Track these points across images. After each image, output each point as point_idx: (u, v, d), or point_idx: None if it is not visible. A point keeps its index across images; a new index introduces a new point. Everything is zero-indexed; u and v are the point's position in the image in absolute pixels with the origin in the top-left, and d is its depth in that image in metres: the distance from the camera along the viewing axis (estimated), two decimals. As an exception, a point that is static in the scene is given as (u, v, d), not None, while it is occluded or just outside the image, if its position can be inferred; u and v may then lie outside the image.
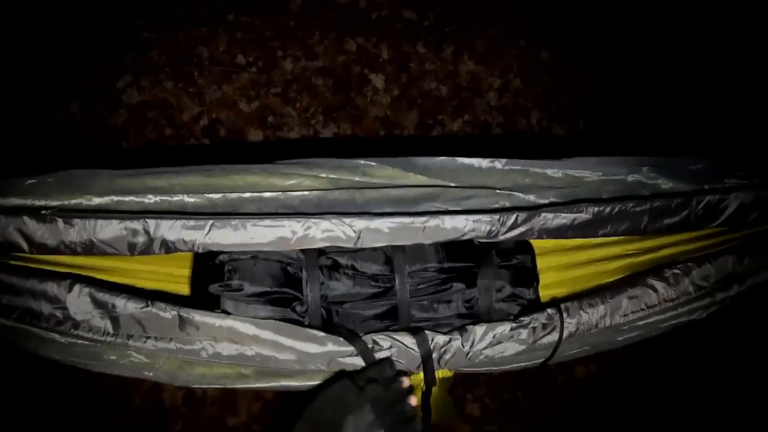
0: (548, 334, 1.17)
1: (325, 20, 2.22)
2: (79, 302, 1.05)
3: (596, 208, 1.20)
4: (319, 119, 2.07)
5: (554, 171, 1.25)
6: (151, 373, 1.15)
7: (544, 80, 2.27)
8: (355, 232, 1.09)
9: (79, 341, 1.09)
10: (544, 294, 1.30)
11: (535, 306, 1.23)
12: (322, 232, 1.09)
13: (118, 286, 1.18)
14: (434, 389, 1.20)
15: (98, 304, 1.06)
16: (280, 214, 1.11)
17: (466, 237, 1.12)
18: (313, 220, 1.09)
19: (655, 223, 1.31)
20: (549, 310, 1.18)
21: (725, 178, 1.39)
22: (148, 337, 1.10)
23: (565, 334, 1.19)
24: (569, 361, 1.37)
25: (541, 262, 1.30)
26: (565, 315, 1.18)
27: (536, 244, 1.30)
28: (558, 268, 1.32)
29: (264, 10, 2.20)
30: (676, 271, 1.32)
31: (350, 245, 1.10)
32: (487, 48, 2.27)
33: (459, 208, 1.14)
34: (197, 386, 1.19)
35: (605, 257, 1.34)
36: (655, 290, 1.28)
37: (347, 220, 1.08)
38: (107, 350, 1.11)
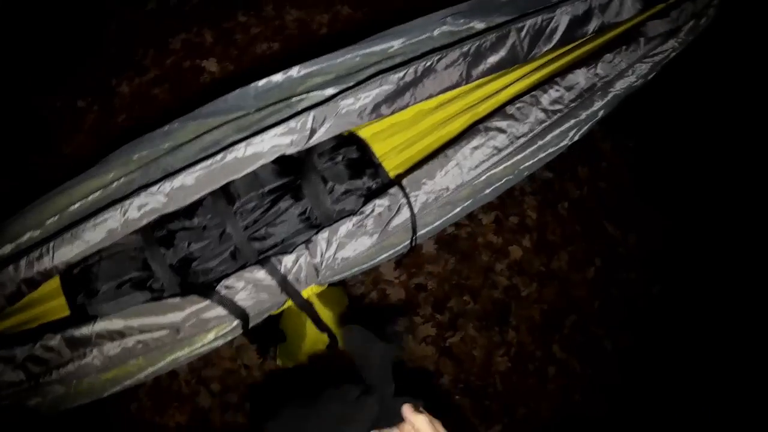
0: (397, 214, 1.16)
1: (143, 33, 2.21)
2: None
3: (396, 75, 1.15)
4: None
5: (352, 56, 1.20)
6: (72, 401, 1.20)
7: None
8: (165, 196, 1.08)
9: (6, 401, 1.13)
10: (397, 175, 1.26)
11: (383, 191, 1.19)
12: (138, 209, 1.09)
13: (14, 336, 1.19)
14: (319, 308, 1.21)
15: (4, 360, 1.11)
16: (98, 211, 1.11)
17: (271, 157, 1.09)
18: (126, 202, 1.09)
19: (478, 66, 1.26)
20: (390, 191, 1.16)
21: None
22: (52, 369, 1.14)
23: (417, 207, 1.17)
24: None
25: (382, 147, 1.27)
26: (408, 190, 1.17)
27: (371, 130, 1.26)
28: (401, 146, 1.28)
29: (84, 46, 2.17)
30: (521, 104, 1.28)
31: (169, 210, 1.10)
32: (305, -10, 2.22)
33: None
34: (112, 392, 1.22)
35: (448, 117, 1.30)
36: (502, 131, 1.25)
37: (154, 188, 1.08)
38: (31, 396, 1.16)
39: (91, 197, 1.15)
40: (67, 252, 1.12)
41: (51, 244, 1.11)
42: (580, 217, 2.14)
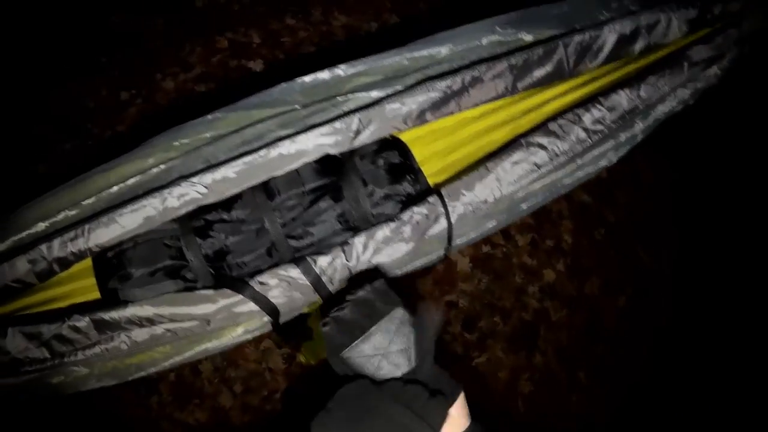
0: (435, 223, 1.15)
1: (191, 29, 2.21)
2: (15, 342, 1.11)
3: (444, 83, 1.15)
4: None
5: (399, 59, 1.20)
6: (95, 381, 1.21)
7: (420, 6, 2.22)
8: (206, 187, 1.09)
9: (29, 376, 1.15)
10: (436, 182, 1.26)
11: (421, 198, 1.19)
12: (178, 198, 1.10)
13: (42, 314, 1.21)
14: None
15: (30, 337, 1.11)
16: (137, 197, 1.12)
17: (315, 156, 1.10)
18: (166, 191, 1.10)
19: (524, 79, 1.26)
20: (429, 199, 1.15)
21: (598, 14, 1.32)
22: (78, 349, 1.15)
23: (454, 218, 1.16)
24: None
25: (422, 152, 1.26)
26: (447, 200, 1.16)
27: (412, 134, 1.26)
28: (442, 153, 1.27)
29: (132, 41, 2.20)
30: (563, 122, 1.26)
31: (209, 201, 1.10)
32: (355, -4, 2.23)
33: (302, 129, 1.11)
34: (135, 377, 1.23)
35: (490, 127, 1.29)
36: (543, 147, 1.23)
37: (195, 179, 1.09)
38: (54, 375, 1.17)
39: (130, 181, 1.15)
40: (103, 235, 1.12)
41: (87, 227, 1.12)
42: (616, 244, 2.10)
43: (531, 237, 2.05)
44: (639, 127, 1.35)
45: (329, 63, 2.09)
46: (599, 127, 1.28)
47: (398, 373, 0.90)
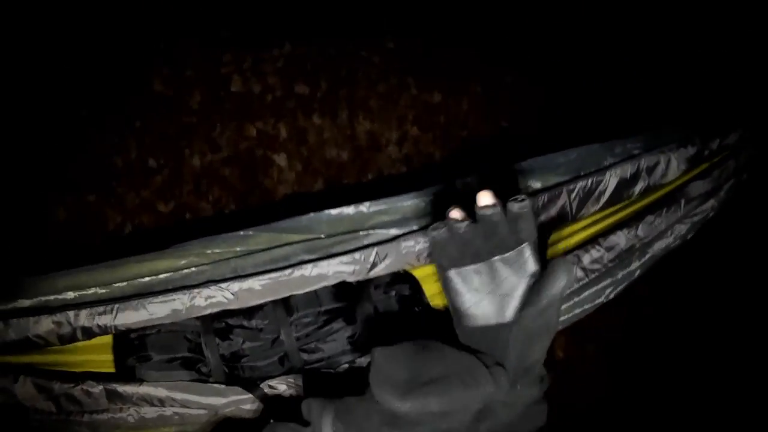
0: (433, 353, 1.26)
1: (224, 112, 2.31)
2: (24, 389, 1.20)
3: (456, 228, 1.27)
4: (231, 207, 2.17)
5: (418, 201, 1.32)
6: None
7: (439, 121, 2.35)
8: (232, 294, 1.20)
9: (31, 423, 1.24)
10: (441, 316, 1.38)
11: (423, 329, 1.31)
12: (205, 299, 1.21)
13: (56, 373, 1.29)
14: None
15: (40, 389, 1.21)
16: (169, 290, 1.23)
17: (333, 281, 1.22)
18: (196, 290, 1.21)
19: (528, 224, 1.37)
20: (429, 332, 1.27)
21: (603, 159, 1.40)
22: (85, 412, 1.25)
23: (453, 348, 1.27)
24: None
25: (432, 288, 1.37)
26: None
27: (424, 271, 1.36)
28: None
29: (168, 111, 2.29)
30: (562, 262, 1.36)
31: (233, 307, 1.22)
32: (380, 104, 2.36)
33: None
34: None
35: (492, 268, 1.40)
36: (540, 289, 1.33)
37: (224, 285, 1.21)
38: (55, 429, 1.26)
39: (162, 276, 1.25)
40: (131, 317, 1.21)
41: (116, 306, 1.20)
42: (607, 359, 2.17)
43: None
44: (636, 264, 1.43)
45: (348, 167, 2.21)
46: (597, 266, 1.38)
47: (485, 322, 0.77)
